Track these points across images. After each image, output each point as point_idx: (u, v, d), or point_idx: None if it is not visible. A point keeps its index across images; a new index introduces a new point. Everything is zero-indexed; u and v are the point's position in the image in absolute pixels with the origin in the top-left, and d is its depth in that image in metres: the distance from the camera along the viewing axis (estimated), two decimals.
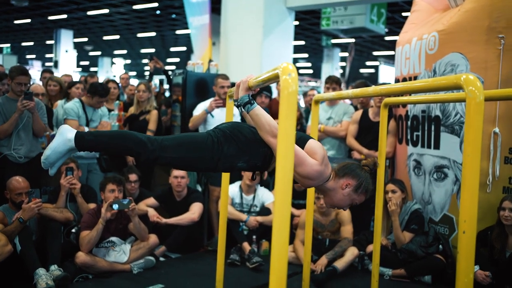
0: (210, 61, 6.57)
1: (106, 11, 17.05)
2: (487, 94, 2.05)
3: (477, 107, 1.64)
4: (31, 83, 5.16)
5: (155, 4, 15.51)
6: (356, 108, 5.40)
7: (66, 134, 2.20)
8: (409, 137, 4.58)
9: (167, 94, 7.26)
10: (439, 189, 4.21)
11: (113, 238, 4.09)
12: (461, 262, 1.62)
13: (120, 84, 6.64)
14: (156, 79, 7.23)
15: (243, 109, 2.23)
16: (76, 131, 2.22)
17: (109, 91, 4.96)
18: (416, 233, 4.17)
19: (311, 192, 3.53)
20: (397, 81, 4.88)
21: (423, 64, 4.33)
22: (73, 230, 4.17)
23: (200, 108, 5.13)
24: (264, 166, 2.32)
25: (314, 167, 2.17)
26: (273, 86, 6.90)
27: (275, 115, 5.68)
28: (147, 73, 35.84)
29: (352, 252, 4.22)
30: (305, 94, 6.79)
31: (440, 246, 4.09)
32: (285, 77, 1.47)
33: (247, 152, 2.24)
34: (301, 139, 2.26)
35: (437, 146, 4.21)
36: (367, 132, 4.94)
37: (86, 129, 4.72)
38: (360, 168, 2.34)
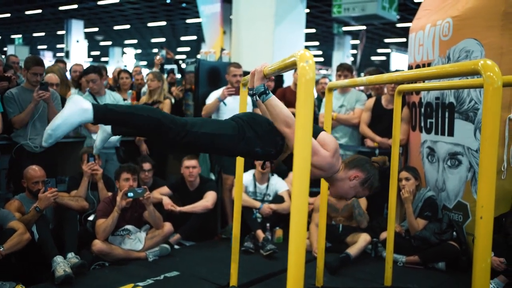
0: (223, 49, 6.58)
1: (116, 0, 17.08)
2: (505, 80, 2.03)
3: (495, 92, 1.64)
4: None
5: None
6: (369, 96, 5.37)
7: (80, 104, 1.97)
8: (422, 124, 4.55)
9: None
10: (453, 176, 4.19)
11: (129, 226, 4.14)
12: (478, 248, 1.62)
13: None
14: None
15: (258, 99, 2.24)
16: (91, 103, 2.03)
17: (97, 70, 4.91)
18: (429, 220, 4.17)
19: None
20: (410, 68, 4.84)
21: (437, 51, 4.29)
22: (90, 218, 4.23)
23: (213, 97, 5.15)
24: (277, 154, 2.35)
25: (326, 158, 2.21)
26: (286, 73, 6.88)
27: (289, 103, 5.70)
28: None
29: (364, 239, 4.22)
30: (316, 82, 6.75)
31: (454, 233, 4.08)
32: (302, 64, 1.48)
33: (263, 139, 2.27)
34: (313, 131, 2.27)
35: (451, 133, 4.18)
36: (380, 119, 4.93)
37: None
38: (369, 163, 2.39)
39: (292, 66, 1.79)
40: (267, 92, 2.19)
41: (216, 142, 2.22)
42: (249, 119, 2.30)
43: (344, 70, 5.26)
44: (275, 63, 2.09)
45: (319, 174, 2.27)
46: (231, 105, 5.02)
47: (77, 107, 1.96)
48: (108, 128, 2.23)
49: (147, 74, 5.51)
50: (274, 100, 2.19)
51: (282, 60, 1.94)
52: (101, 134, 2.33)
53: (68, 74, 6.30)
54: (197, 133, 2.17)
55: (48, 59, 21.60)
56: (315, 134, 2.26)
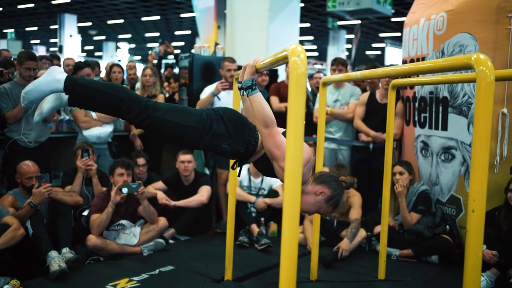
0: (217, 44, 6.55)
1: None
2: (497, 74, 2.04)
3: (488, 86, 1.64)
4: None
5: None
6: (364, 90, 5.38)
7: (55, 74, 2.09)
8: (416, 118, 4.57)
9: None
10: (447, 170, 4.22)
11: (123, 221, 4.14)
12: (470, 240, 1.64)
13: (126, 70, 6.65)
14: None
15: (244, 93, 2.21)
16: (67, 74, 2.13)
17: (90, 65, 4.89)
18: (423, 214, 4.19)
19: None
20: (404, 62, 4.86)
21: (431, 45, 4.30)
22: (85, 213, 4.22)
23: (207, 91, 5.14)
24: (246, 155, 2.34)
25: None
26: (280, 68, 6.88)
27: (283, 98, 5.70)
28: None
29: (359, 234, 4.24)
30: (311, 77, 6.75)
31: (447, 227, 4.11)
32: (294, 58, 1.47)
33: (232, 137, 2.26)
34: None
35: (444, 128, 4.20)
36: (375, 114, 4.94)
37: (94, 115, 4.74)
38: (337, 181, 2.33)
39: (284, 60, 1.79)
40: (254, 87, 2.17)
41: (177, 132, 2.23)
42: (225, 114, 2.29)
43: (339, 64, 5.27)
44: (267, 57, 2.09)
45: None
46: (225, 100, 5.01)
47: (51, 77, 2.08)
48: (65, 98, 2.18)
49: (144, 69, 5.47)
50: (258, 97, 2.15)
51: (274, 54, 1.94)
52: (54, 102, 2.26)
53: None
54: (159, 118, 2.17)
55: (41, 54, 21.49)
56: None
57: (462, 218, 4.07)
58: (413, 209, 4.23)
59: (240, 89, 2.26)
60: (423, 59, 4.42)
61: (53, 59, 6.43)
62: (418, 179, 4.52)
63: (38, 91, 2.09)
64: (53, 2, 18.69)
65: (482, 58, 1.65)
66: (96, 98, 2.16)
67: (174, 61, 7.02)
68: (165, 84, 6.39)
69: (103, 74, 6.83)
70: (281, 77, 6.98)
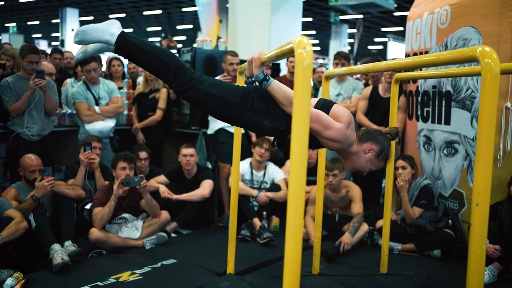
0: (219, 38, 6.54)
1: None
2: (502, 67, 2.03)
3: (493, 79, 1.63)
4: None
5: None
6: (367, 84, 5.37)
7: (111, 27, 2.17)
8: (419, 112, 4.56)
9: None
10: (449, 164, 4.21)
11: (126, 215, 4.14)
12: (474, 234, 1.63)
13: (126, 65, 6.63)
14: None
15: (260, 86, 2.23)
16: (123, 30, 2.18)
17: (97, 59, 4.89)
18: (425, 208, 4.19)
19: (321, 169, 3.55)
20: (407, 56, 4.84)
21: (434, 39, 4.28)
22: (87, 207, 4.23)
23: None
24: (286, 132, 2.34)
25: (341, 130, 2.20)
26: (282, 62, 6.86)
27: None
28: None
29: (362, 228, 4.24)
30: (313, 71, 6.74)
31: (450, 221, 4.11)
32: (300, 50, 1.47)
33: (273, 114, 2.26)
34: (325, 106, 2.29)
35: (447, 122, 4.19)
36: (377, 108, 4.93)
37: (97, 109, 4.74)
38: (382, 135, 2.38)
39: (290, 53, 1.78)
40: (268, 78, 2.19)
41: (220, 106, 2.23)
42: (266, 92, 2.27)
43: (341, 58, 5.25)
44: (273, 50, 2.08)
45: (335, 146, 2.26)
46: None
47: (107, 28, 2.16)
48: (112, 46, 2.21)
49: None
50: (276, 84, 2.19)
51: (279, 46, 1.93)
52: (101, 45, 2.28)
53: None
54: (202, 91, 2.19)
55: (43, 48, 21.48)
56: (328, 108, 2.27)
57: (465, 212, 4.07)
58: (416, 203, 4.23)
59: (251, 83, 2.27)
60: (426, 53, 4.40)
61: (54, 53, 6.41)
62: (420, 174, 4.51)
63: (91, 34, 2.15)
64: None
65: (487, 50, 1.63)
66: (143, 60, 2.22)
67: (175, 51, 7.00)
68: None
69: (104, 68, 6.82)
70: (283, 71, 6.97)
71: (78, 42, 2.24)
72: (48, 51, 7.53)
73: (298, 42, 1.49)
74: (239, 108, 2.22)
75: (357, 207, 4.37)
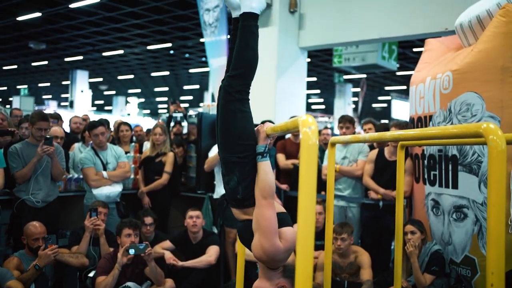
0: None
1: (121, 52, 17.49)
2: (508, 138, 2.03)
3: (499, 155, 1.63)
4: None
5: (169, 45, 15.88)
6: (372, 147, 5.39)
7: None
8: (426, 176, 4.53)
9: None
10: (459, 229, 4.13)
11: (130, 284, 4.05)
12: None
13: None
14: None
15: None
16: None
17: (105, 123, 4.96)
18: (437, 275, 4.07)
19: (329, 232, 3.48)
20: (411, 119, 4.87)
21: (438, 103, 4.33)
22: (90, 274, 4.15)
23: (215, 150, 5.16)
24: (239, 201, 2.26)
25: (277, 249, 2.08)
26: None
27: (289, 154, 5.69)
28: (161, 111, 36.35)
29: None
30: (318, 133, 6.80)
31: None
32: (305, 129, 1.48)
33: (249, 185, 2.20)
34: (283, 220, 2.19)
35: (455, 186, 4.15)
36: (383, 171, 4.92)
37: (105, 174, 4.76)
38: None
39: (295, 130, 1.80)
40: (265, 154, 2.18)
41: (244, 132, 2.26)
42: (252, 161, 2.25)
43: (346, 122, 5.30)
44: (278, 124, 2.10)
45: (259, 256, 2.13)
46: None
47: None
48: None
49: (154, 128, 5.51)
50: (266, 165, 2.16)
51: (285, 122, 1.95)
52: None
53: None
54: (245, 111, 2.29)
55: (52, 109, 21.93)
56: (285, 224, 2.17)
57: (478, 280, 3.94)
58: (426, 270, 4.12)
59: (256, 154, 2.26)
60: (430, 117, 4.44)
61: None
62: (430, 238, 4.42)
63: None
64: (66, 59, 19.25)
65: (492, 127, 1.64)
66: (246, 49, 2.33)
67: (181, 115, 7.10)
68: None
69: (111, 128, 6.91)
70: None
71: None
72: (58, 111, 7.67)
73: (303, 121, 1.51)
74: (250, 149, 2.21)
75: (366, 274, 4.26)
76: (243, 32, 2.30)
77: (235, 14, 2.42)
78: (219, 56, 7.95)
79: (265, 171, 2.14)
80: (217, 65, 8.06)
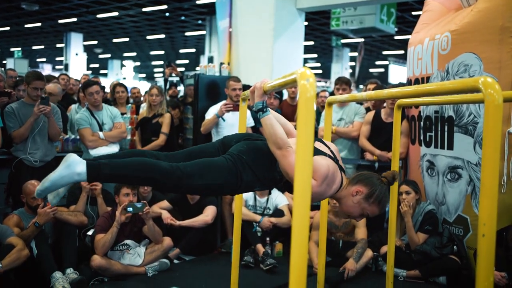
0: (222, 63, 6.59)
1: (115, 14, 17.17)
2: (505, 96, 2.03)
3: (496, 109, 1.63)
4: None
5: (164, 7, 15.59)
6: (368, 109, 5.39)
7: (74, 167, 1.96)
8: (422, 137, 4.56)
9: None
10: (453, 189, 4.19)
11: (128, 241, 4.12)
12: (480, 265, 1.61)
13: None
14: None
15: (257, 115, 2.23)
16: (86, 162, 1.99)
17: (98, 83, 4.94)
18: (430, 234, 4.16)
19: None
20: (409, 81, 4.86)
21: (435, 65, 4.31)
22: (89, 233, 4.21)
23: (211, 112, 5.15)
24: (276, 185, 2.35)
25: (313, 187, 2.05)
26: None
27: (285, 116, 5.68)
28: (156, 75, 36.02)
29: (366, 254, 4.21)
30: (316, 95, 6.78)
31: (455, 247, 4.07)
32: (303, 82, 1.47)
33: (261, 179, 2.27)
34: None
35: (450, 147, 4.19)
36: (380, 133, 4.93)
37: (101, 135, 4.75)
38: (377, 178, 2.25)
39: (293, 83, 1.79)
40: (264, 109, 2.15)
41: (212, 190, 2.38)
42: (249, 158, 2.24)
43: (343, 83, 5.28)
44: (275, 79, 2.08)
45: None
46: (230, 120, 5.03)
47: (70, 171, 1.96)
48: (80, 176, 2.02)
49: (150, 89, 5.50)
50: (269, 119, 2.13)
51: (282, 76, 1.93)
52: (60, 192, 2.16)
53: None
54: (193, 186, 2.19)
55: (47, 72, 21.68)
56: None
57: (470, 238, 4.03)
58: (420, 229, 4.20)
59: (256, 112, 2.26)
60: (427, 78, 4.43)
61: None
62: (424, 199, 4.49)
63: (57, 186, 1.97)
64: (59, 21, 18.92)
65: (489, 81, 1.64)
66: (125, 182, 2.23)
67: (178, 78, 7.06)
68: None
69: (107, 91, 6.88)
70: (284, 95, 7.00)
71: (42, 197, 2.08)
72: (53, 74, 7.61)
73: (301, 74, 1.50)
74: (230, 187, 2.25)
75: (361, 233, 4.34)
76: (113, 181, 2.39)
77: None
78: (224, 18, 7.83)
79: (270, 125, 2.12)
80: (222, 26, 7.93)
